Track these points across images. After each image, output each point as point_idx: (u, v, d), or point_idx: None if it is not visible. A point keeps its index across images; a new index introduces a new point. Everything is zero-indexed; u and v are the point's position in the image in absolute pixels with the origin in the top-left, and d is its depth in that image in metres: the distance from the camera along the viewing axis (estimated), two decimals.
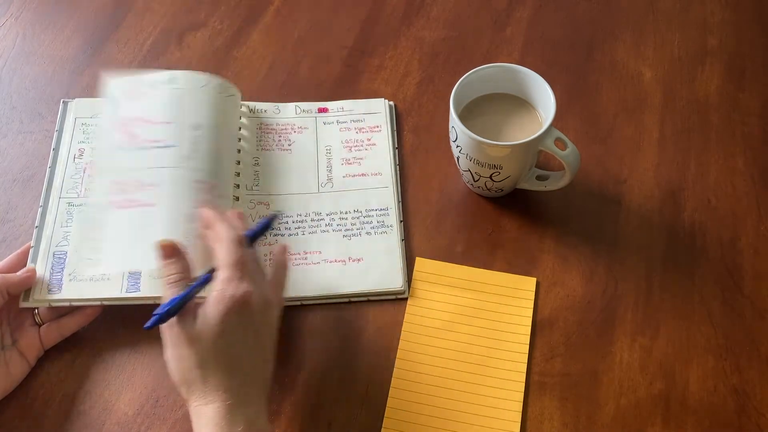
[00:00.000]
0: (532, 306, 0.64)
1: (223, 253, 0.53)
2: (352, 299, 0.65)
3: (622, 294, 0.65)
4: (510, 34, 0.83)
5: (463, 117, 0.65)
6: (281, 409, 0.60)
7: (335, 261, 0.66)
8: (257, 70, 0.80)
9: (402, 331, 0.63)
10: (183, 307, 0.52)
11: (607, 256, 0.67)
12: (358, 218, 0.69)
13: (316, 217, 0.69)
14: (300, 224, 0.69)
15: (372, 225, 0.68)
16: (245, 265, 0.53)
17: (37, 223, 0.66)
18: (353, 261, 0.66)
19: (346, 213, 0.69)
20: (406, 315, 0.64)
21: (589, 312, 0.64)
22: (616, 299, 0.65)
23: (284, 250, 0.61)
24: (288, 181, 0.71)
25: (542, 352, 0.62)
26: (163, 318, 0.52)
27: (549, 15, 0.85)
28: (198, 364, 0.51)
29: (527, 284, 0.65)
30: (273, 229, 0.63)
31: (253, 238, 0.58)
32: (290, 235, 0.68)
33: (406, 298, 0.65)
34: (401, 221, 0.69)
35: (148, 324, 0.51)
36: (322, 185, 0.71)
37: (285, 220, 0.69)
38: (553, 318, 0.64)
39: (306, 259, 0.67)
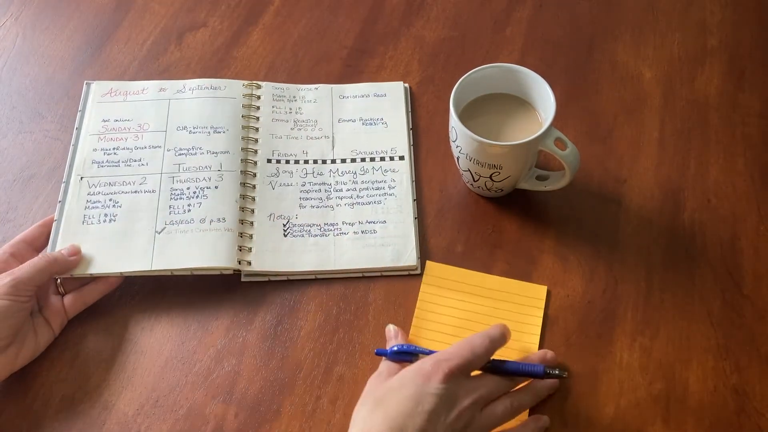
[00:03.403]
0: (542, 315, 0.63)
1: (459, 343, 0.55)
2: (366, 274, 0.66)
3: (622, 294, 0.65)
4: (510, 34, 0.83)
5: (463, 117, 0.65)
6: (281, 408, 0.60)
7: (350, 233, 0.68)
8: (257, 70, 0.80)
9: (410, 335, 0.63)
10: (411, 359, 0.57)
11: (607, 256, 0.67)
12: (373, 197, 0.70)
13: (332, 191, 0.71)
14: (315, 198, 0.70)
15: (388, 207, 0.69)
16: (469, 358, 0.54)
17: (60, 198, 0.68)
18: (368, 236, 0.68)
19: (363, 191, 0.71)
20: (414, 319, 0.63)
21: (589, 312, 0.64)
22: (616, 299, 0.65)
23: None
24: (304, 155, 0.73)
25: None
26: (392, 355, 0.58)
27: (549, 15, 0.85)
28: (365, 412, 0.53)
29: (538, 292, 0.64)
30: (539, 378, 0.57)
31: (504, 368, 0.56)
32: (303, 206, 0.70)
33: (419, 275, 0.66)
34: (415, 200, 0.70)
35: (380, 350, 0.59)
36: (339, 159, 0.73)
37: (304, 192, 0.70)
38: (553, 318, 0.64)
39: (323, 232, 0.68)
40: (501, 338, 0.57)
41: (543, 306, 0.64)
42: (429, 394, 0.52)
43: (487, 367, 0.56)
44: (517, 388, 0.57)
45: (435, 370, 0.53)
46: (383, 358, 0.59)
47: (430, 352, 0.57)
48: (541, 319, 0.63)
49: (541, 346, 0.62)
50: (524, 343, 0.62)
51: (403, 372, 0.54)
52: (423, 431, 0.51)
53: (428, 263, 0.66)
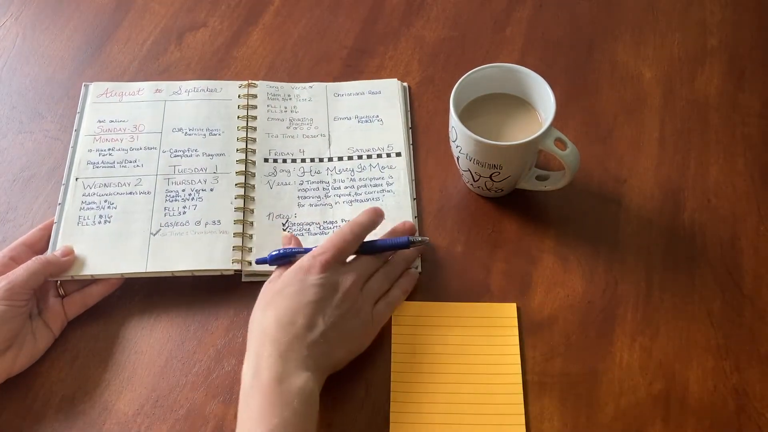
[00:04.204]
0: (517, 333, 0.62)
1: (331, 236, 0.61)
2: None
3: (622, 294, 0.65)
4: (510, 34, 0.83)
5: (463, 117, 0.65)
6: None
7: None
8: (257, 70, 0.80)
9: (392, 381, 0.61)
10: (291, 259, 0.61)
11: (607, 256, 0.67)
12: (371, 194, 0.70)
13: (330, 190, 0.71)
14: (314, 197, 0.70)
15: (386, 205, 0.69)
16: (340, 248, 0.59)
17: (59, 200, 0.68)
18: (366, 236, 0.67)
19: (361, 188, 0.71)
20: (393, 364, 0.61)
21: (589, 312, 0.64)
22: (616, 299, 0.65)
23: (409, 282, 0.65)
24: (302, 154, 0.73)
25: (542, 352, 0.62)
26: (272, 261, 0.62)
27: (549, 15, 0.85)
28: (259, 311, 0.58)
29: (508, 311, 0.63)
30: (405, 248, 0.64)
31: (374, 247, 0.63)
32: (302, 206, 0.70)
33: (419, 274, 0.66)
34: (414, 199, 0.70)
35: (258, 258, 0.64)
36: (336, 158, 0.73)
37: (302, 191, 0.71)
38: (553, 318, 0.64)
39: (322, 231, 0.68)
40: (370, 222, 0.62)
41: (516, 324, 0.63)
42: (311, 286, 0.57)
43: (360, 250, 0.62)
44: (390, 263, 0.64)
45: (312, 263, 0.58)
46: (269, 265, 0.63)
47: (308, 250, 0.61)
48: (517, 337, 0.62)
49: (537, 344, 0.62)
50: (506, 365, 0.61)
51: (285, 272, 0.59)
52: (311, 319, 0.56)
53: None
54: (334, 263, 0.59)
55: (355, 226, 0.61)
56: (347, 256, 0.61)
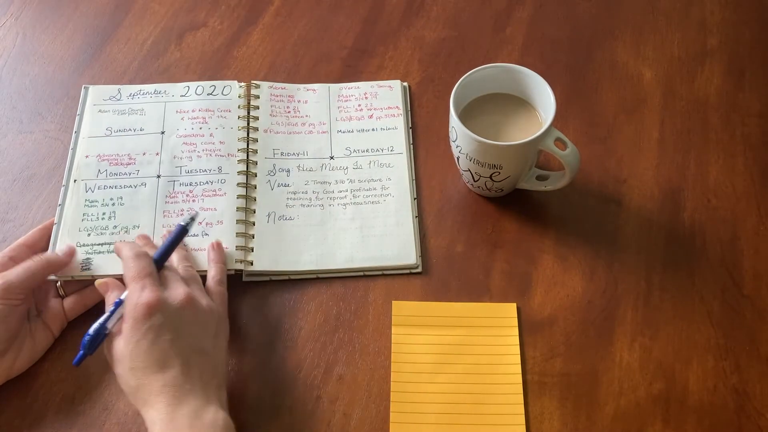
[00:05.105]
0: (517, 333, 0.62)
1: (125, 271, 0.57)
2: (366, 273, 0.66)
3: (622, 294, 0.65)
4: (510, 34, 0.83)
5: (463, 117, 0.65)
6: (281, 408, 0.60)
7: (350, 232, 0.68)
8: (257, 70, 0.80)
9: (392, 381, 0.61)
10: (104, 334, 0.56)
11: (607, 256, 0.67)
12: (372, 195, 0.70)
13: (331, 190, 0.71)
14: (315, 197, 0.70)
15: (387, 206, 0.69)
16: (147, 276, 0.56)
17: (60, 202, 0.68)
18: (368, 234, 0.68)
19: (362, 189, 0.71)
20: (393, 364, 0.61)
21: (589, 312, 0.64)
22: (616, 299, 0.65)
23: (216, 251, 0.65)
24: (303, 154, 0.73)
25: (542, 352, 0.62)
26: (89, 349, 0.56)
27: (549, 15, 0.85)
28: (129, 377, 0.53)
29: (508, 311, 0.63)
30: (187, 234, 0.63)
31: (165, 254, 0.60)
32: (303, 205, 0.70)
33: (419, 273, 0.66)
34: (415, 199, 0.70)
35: (75, 360, 0.56)
36: (338, 158, 0.73)
37: (303, 191, 0.70)
38: (553, 318, 0.64)
39: (323, 231, 0.68)
40: (142, 250, 0.59)
41: (516, 323, 0.63)
42: (159, 327, 0.54)
43: (159, 265, 0.59)
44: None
45: (145, 306, 0.54)
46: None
47: (115, 307, 0.57)
48: (517, 336, 0.62)
49: (537, 344, 0.62)
50: (506, 365, 0.61)
51: (124, 329, 0.55)
52: (183, 355, 0.54)
53: (394, 303, 0.64)
54: (159, 290, 0.56)
55: (140, 257, 0.58)
56: (155, 277, 0.57)
